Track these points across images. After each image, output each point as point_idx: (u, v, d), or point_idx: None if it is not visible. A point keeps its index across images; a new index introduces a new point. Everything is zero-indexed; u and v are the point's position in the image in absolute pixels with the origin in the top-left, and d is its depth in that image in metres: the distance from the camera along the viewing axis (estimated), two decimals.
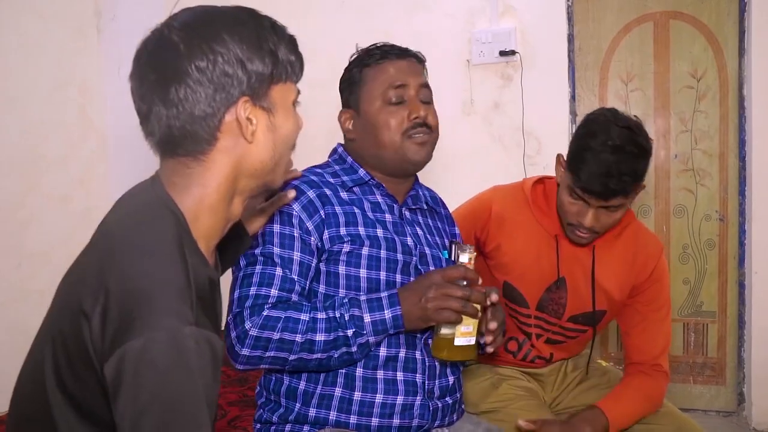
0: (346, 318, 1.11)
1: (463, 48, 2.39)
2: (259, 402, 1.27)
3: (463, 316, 1.12)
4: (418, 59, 1.31)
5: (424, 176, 1.78)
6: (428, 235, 1.32)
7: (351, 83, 1.30)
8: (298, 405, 1.19)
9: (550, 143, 2.29)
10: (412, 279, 1.22)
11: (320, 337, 1.10)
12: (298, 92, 0.95)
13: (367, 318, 1.11)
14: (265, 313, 1.10)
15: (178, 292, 0.77)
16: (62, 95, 2.21)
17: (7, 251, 2.12)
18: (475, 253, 1.16)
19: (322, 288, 1.21)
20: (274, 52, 0.87)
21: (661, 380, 1.50)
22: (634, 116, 1.42)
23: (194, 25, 0.86)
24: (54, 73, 2.18)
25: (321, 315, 1.11)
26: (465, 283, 1.13)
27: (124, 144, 2.39)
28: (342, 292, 1.19)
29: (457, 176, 2.32)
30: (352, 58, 1.32)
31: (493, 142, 2.40)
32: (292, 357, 1.10)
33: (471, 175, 2.33)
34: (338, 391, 1.18)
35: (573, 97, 2.39)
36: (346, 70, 1.32)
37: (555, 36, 2.35)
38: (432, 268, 1.27)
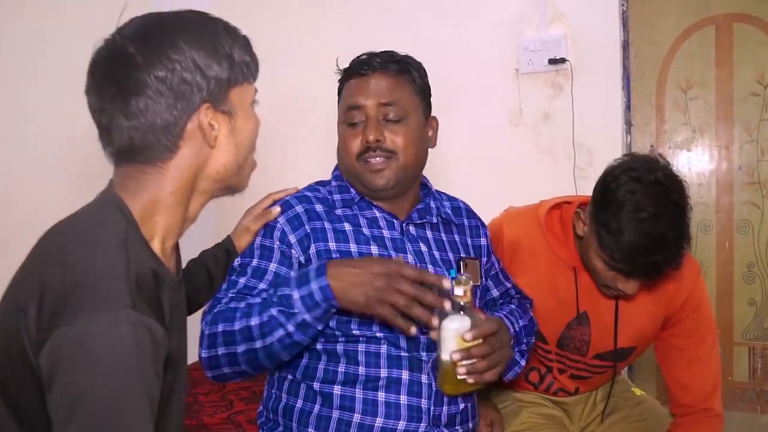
0: (274, 298, 1.05)
1: (511, 57, 2.31)
2: (259, 421, 1.25)
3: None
4: (389, 71, 1.22)
5: (469, 189, 1.72)
6: (436, 251, 1.25)
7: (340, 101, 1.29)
8: (295, 425, 1.15)
9: (602, 155, 2.15)
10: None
11: (254, 321, 1.04)
12: (256, 91, 0.95)
13: (295, 294, 1.03)
14: (214, 311, 1.10)
15: (116, 281, 0.75)
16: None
17: None
18: (470, 284, 1.07)
19: None
20: (230, 55, 0.87)
21: (715, 426, 1.36)
22: (658, 154, 1.28)
23: (148, 34, 0.85)
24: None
25: (256, 300, 1.07)
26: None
27: None
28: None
29: (504, 189, 2.23)
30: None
31: (542, 153, 2.30)
32: (239, 350, 1.06)
33: (518, 188, 2.23)
34: (336, 413, 1.13)
35: (628, 107, 2.28)
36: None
37: (608, 43, 2.25)
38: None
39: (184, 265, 1.20)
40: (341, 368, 1.14)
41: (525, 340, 1.29)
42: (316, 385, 1.15)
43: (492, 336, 1.09)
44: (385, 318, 1.02)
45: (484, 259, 1.33)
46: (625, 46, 2.28)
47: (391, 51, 1.27)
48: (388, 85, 1.21)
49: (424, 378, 1.14)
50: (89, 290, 0.73)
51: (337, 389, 1.13)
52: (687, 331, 1.39)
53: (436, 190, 1.36)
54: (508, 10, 2.33)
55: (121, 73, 0.83)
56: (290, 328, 1.03)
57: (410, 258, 1.20)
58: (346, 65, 1.27)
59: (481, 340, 1.07)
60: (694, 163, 2.29)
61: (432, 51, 2.37)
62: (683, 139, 2.29)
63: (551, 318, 1.41)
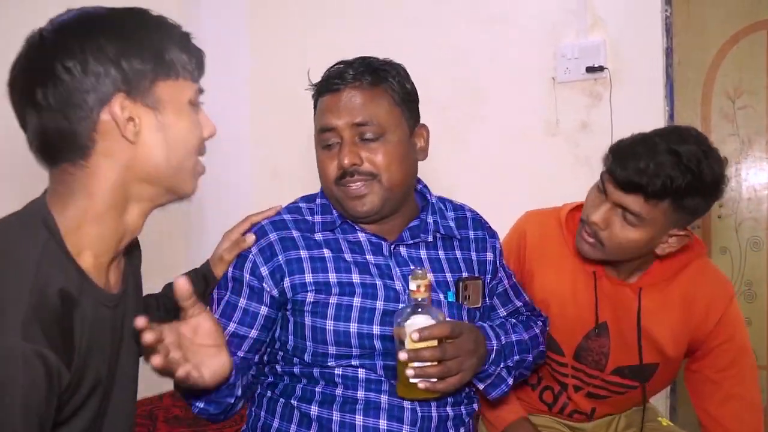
0: None
1: (547, 64, 2.25)
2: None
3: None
4: (363, 83, 1.11)
5: (503, 201, 1.66)
6: (434, 273, 1.16)
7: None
8: None
9: None
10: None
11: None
12: (199, 91, 0.90)
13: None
14: None
15: (11, 308, 0.73)
16: None
17: None
18: (427, 279, 0.99)
19: (290, 338, 1.12)
20: (157, 49, 0.84)
21: None
22: (724, 157, 1.20)
23: (69, 24, 0.83)
24: None
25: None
26: None
27: None
28: (310, 344, 1.09)
29: (539, 202, 2.14)
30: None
31: (580, 164, 2.22)
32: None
33: (554, 200, 2.14)
34: None
35: (671, 116, 2.19)
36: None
37: (650, 49, 2.16)
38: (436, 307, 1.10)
39: (160, 289, 1.19)
40: (319, 388, 1.10)
41: (515, 357, 1.18)
42: (294, 402, 1.12)
43: (451, 340, 1.00)
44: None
45: (488, 277, 1.23)
46: (668, 52, 2.19)
47: (367, 58, 1.15)
48: (363, 100, 1.10)
49: (407, 403, 1.08)
50: None
51: (314, 409, 1.09)
52: (720, 365, 1.28)
53: (439, 198, 1.26)
54: (545, 17, 2.27)
55: (31, 63, 0.81)
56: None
57: (398, 284, 1.12)
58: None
59: (434, 342, 0.98)
60: (742, 176, 2.20)
61: (464, 59, 2.37)
62: (731, 151, 2.19)
63: (569, 326, 1.33)
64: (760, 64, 2.13)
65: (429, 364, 0.98)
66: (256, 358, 1.13)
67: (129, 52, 0.82)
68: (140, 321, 0.81)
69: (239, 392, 1.06)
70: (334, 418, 1.08)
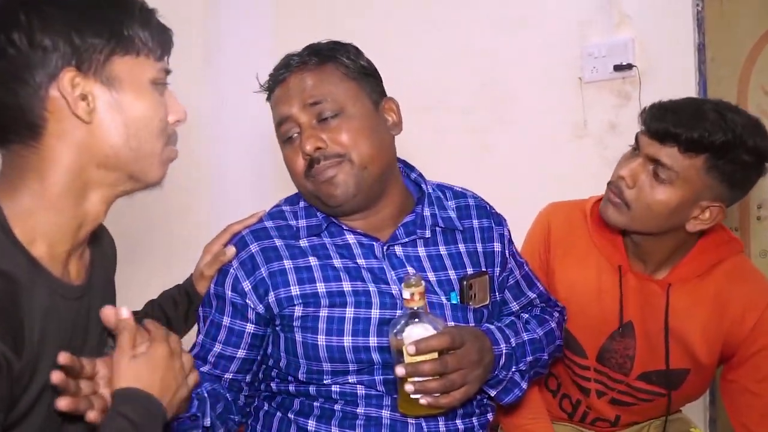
0: None
1: (574, 64, 2.19)
2: None
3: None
4: (309, 65, 1.06)
5: (529, 204, 1.61)
6: (431, 272, 1.09)
7: None
8: None
9: None
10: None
11: None
12: (166, 72, 0.86)
13: None
14: (202, 390, 1.02)
15: None
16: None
17: None
18: (422, 285, 0.93)
19: (282, 355, 1.07)
20: (115, 24, 0.80)
21: None
22: None
23: None
24: None
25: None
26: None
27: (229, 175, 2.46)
28: (303, 362, 1.04)
29: None
30: None
31: (608, 166, 2.10)
32: None
33: None
34: None
35: None
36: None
37: (680, 46, 2.09)
38: (447, 322, 1.05)
39: (140, 307, 1.17)
40: (317, 403, 1.06)
41: (529, 358, 1.12)
42: (291, 416, 1.08)
43: (453, 351, 0.95)
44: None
45: (497, 270, 1.15)
46: (701, 48, 2.13)
47: (313, 44, 1.11)
48: (312, 80, 1.05)
49: (411, 418, 1.03)
50: None
51: (312, 424, 1.05)
52: (761, 374, 1.21)
53: (437, 185, 1.19)
54: (570, 15, 2.22)
55: None
56: None
57: (395, 289, 1.05)
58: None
59: (435, 354, 0.93)
60: None
61: (487, 61, 2.33)
62: None
63: (593, 326, 1.28)
64: None
65: (430, 378, 0.93)
66: (248, 378, 1.10)
67: (81, 24, 0.78)
68: (62, 357, 0.77)
69: (208, 422, 1.00)
70: None
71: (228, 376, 1.07)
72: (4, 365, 0.71)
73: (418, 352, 0.91)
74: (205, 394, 1.02)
